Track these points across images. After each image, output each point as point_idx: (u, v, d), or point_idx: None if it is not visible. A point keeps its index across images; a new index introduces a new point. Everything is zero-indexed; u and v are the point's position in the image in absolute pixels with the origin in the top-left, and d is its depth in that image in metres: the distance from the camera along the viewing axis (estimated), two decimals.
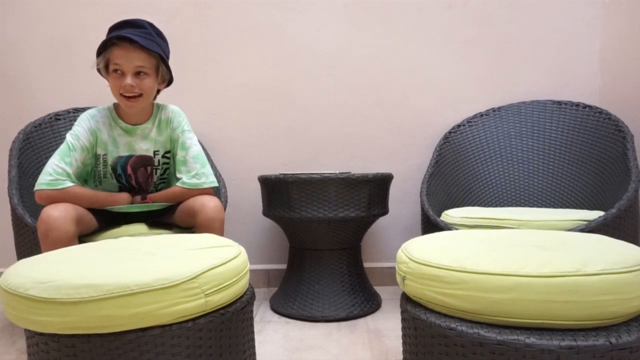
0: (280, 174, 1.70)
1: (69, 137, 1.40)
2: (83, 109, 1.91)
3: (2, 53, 2.08)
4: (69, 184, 1.33)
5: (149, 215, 1.55)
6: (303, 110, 2.12)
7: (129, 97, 1.36)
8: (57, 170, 1.33)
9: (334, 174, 1.62)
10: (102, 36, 2.07)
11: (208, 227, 1.36)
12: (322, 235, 1.71)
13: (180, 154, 1.48)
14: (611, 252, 0.81)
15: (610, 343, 0.71)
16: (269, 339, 1.49)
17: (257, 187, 2.12)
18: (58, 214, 1.21)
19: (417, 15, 2.09)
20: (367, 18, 2.10)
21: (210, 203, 1.36)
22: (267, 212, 1.78)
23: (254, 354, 1.02)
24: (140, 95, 1.38)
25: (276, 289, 1.96)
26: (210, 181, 1.47)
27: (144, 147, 1.48)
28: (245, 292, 0.98)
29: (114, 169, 1.46)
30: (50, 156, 1.71)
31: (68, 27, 2.08)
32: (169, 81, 1.49)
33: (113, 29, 1.38)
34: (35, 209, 1.57)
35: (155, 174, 1.54)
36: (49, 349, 0.78)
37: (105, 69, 1.38)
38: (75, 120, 1.86)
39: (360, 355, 1.34)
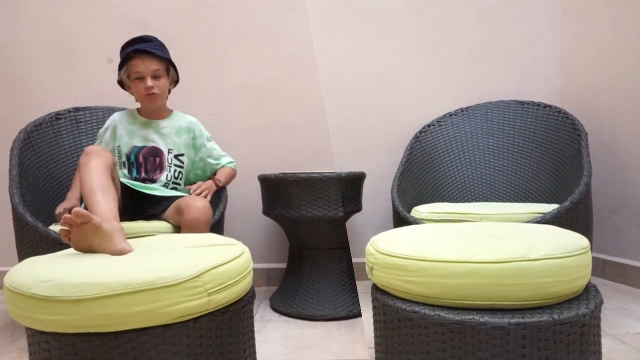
0: (280, 174, 1.70)
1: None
2: (83, 109, 1.93)
3: (2, 53, 2.08)
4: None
5: (152, 207, 1.60)
6: (302, 110, 2.13)
7: (150, 95, 1.58)
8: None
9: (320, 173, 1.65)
10: (102, 36, 2.08)
11: (191, 227, 1.39)
12: (322, 235, 1.71)
13: (208, 150, 1.78)
14: (555, 240, 0.89)
15: (553, 319, 0.79)
16: (269, 337, 1.49)
17: (257, 186, 2.13)
18: (97, 148, 1.33)
19: (389, 19, 2.16)
20: (340, 22, 2.14)
21: (197, 203, 1.42)
22: (267, 212, 1.79)
23: (254, 352, 1.02)
24: (157, 93, 1.60)
25: (276, 288, 1.96)
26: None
27: (156, 139, 1.67)
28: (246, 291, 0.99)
29: (127, 157, 1.63)
30: (50, 156, 1.74)
31: (68, 27, 2.09)
32: (176, 81, 1.73)
33: (127, 45, 1.58)
34: (36, 209, 1.57)
35: (169, 171, 1.66)
36: (49, 348, 0.78)
37: (127, 78, 1.61)
38: (75, 119, 1.87)
39: (360, 354, 1.34)
